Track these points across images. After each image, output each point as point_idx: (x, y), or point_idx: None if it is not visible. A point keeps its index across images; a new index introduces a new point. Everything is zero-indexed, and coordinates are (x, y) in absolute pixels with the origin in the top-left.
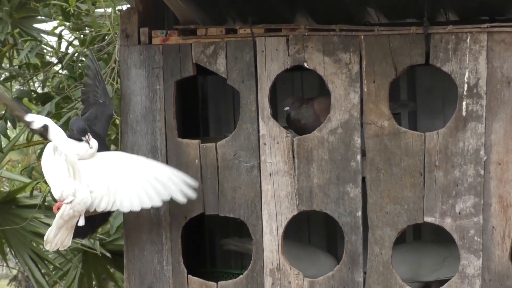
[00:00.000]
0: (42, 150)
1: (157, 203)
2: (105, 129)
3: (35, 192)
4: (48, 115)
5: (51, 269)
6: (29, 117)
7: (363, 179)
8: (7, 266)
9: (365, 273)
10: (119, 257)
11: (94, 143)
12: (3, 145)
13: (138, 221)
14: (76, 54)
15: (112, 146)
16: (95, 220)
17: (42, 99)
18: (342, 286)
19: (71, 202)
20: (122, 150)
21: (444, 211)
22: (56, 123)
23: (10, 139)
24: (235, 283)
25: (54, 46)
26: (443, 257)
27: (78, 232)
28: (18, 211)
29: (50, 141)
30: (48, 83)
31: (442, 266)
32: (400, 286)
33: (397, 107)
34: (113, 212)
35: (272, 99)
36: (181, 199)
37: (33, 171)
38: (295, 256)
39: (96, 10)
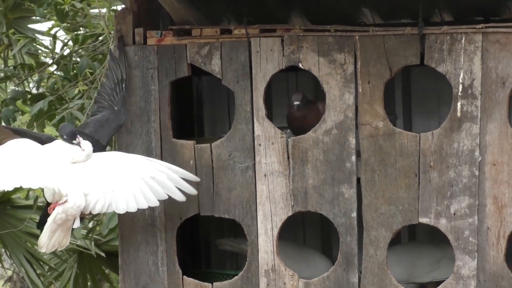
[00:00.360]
0: None
1: (154, 203)
2: (108, 135)
3: (31, 193)
4: (40, 112)
5: (46, 270)
6: None
7: (358, 179)
8: (2, 267)
9: (360, 272)
10: (114, 258)
11: (86, 145)
12: None
13: (133, 222)
14: (71, 55)
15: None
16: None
17: (37, 100)
18: (337, 287)
19: (64, 202)
20: (117, 150)
21: (439, 212)
22: (48, 123)
23: None
24: (230, 284)
25: (49, 46)
26: (438, 258)
27: None
28: (13, 212)
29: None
30: (43, 84)
31: (437, 267)
32: (395, 287)
33: None
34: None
35: (267, 100)
36: (179, 197)
37: None
38: (290, 257)
39: (91, 11)
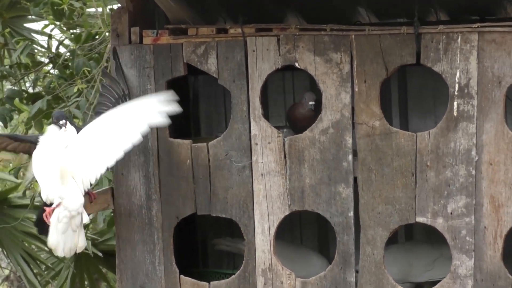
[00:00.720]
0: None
1: (137, 137)
2: None
3: (28, 192)
4: (40, 113)
5: (43, 269)
6: None
7: (355, 179)
8: None
9: (357, 272)
10: (111, 257)
11: (70, 128)
12: None
13: (130, 221)
14: (68, 54)
15: None
16: None
17: (33, 99)
18: (334, 286)
19: (58, 205)
20: None
21: (436, 211)
22: (45, 122)
23: None
24: (227, 283)
25: (45, 45)
26: (434, 257)
27: (45, 230)
28: (10, 211)
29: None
30: (39, 83)
31: (434, 266)
32: (392, 286)
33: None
34: None
35: (263, 99)
36: (161, 119)
37: (22, 171)
38: (287, 256)
39: (87, 10)
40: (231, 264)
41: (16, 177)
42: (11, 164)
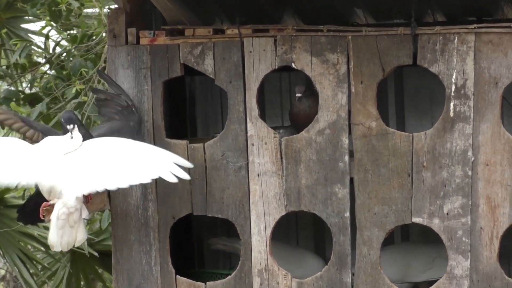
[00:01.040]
0: None
1: (145, 179)
2: None
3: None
4: (40, 115)
5: (39, 269)
6: None
7: (351, 179)
8: None
9: (353, 274)
10: (108, 258)
11: (77, 136)
12: None
13: (126, 222)
14: (64, 54)
15: None
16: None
17: (30, 100)
18: (330, 287)
19: (57, 201)
20: None
21: (432, 212)
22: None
23: None
24: (223, 284)
25: (42, 46)
26: (432, 257)
27: (24, 218)
28: (6, 211)
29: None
30: (36, 84)
31: (431, 267)
32: (388, 286)
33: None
34: None
35: (259, 100)
36: (170, 178)
37: None
38: (282, 257)
39: (84, 10)
40: (227, 265)
41: None
42: None
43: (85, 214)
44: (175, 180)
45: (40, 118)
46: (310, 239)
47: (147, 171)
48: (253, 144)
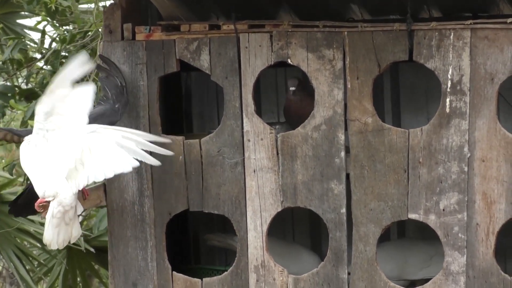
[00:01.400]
0: None
1: (127, 168)
2: None
3: (20, 188)
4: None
5: (35, 266)
6: None
7: (347, 175)
8: None
9: (349, 274)
10: (104, 254)
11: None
12: None
13: (122, 218)
14: (59, 50)
15: None
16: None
17: (26, 95)
18: (326, 283)
19: (53, 199)
20: None
21: (428, 208)
22: None
23: None
24: (219, 280)
25: (38, 42)
26: (430, 255)
27: (16, 211)
28: (2, 207)
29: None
30: (31, 79)
31: (429, 264)
32: (384, 283)
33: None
34: None
35: (255, 96)
36: (152, 161)
37: (16, 168)
38: (277, 253)
39: (79, 6)
40: (223, 261)
41: (11, 174)
42: (3, 160)
43: (80, 210)
44: (157, 162)
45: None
46: (306, 235)
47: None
48: (249, 140)
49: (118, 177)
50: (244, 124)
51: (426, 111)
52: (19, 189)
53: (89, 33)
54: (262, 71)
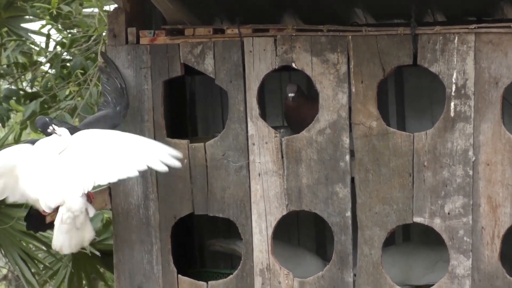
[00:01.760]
0: None
1: (133, 172)
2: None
3: None
4: (33, 114)
5: (41, 268)
6: None
7: (352, 179)
8: None
9: (355, 275)
10: (109, 257)
11: (61, 131)
12: None
13: (127, 221)
14: (64, 54)
15: None
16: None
17: (31, 98)
18: (332, 286)
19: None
20: None
21: (433, 212)
22: None
23: None
24: (225, 283)
25: (43, 45)
26: (434, 261)
27: (34, 225)
28: (7, 210)
29: None
30: (36, 83)
31: (433, 270)
32: (390, 286)
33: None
34: None
35: (260, 99)
36: (160, 167)
37: None
38: (282, 257)
39: (84, 10)
40: (228, 264)
41: None
42: None
43: (92, 212)
44: (165, 168)
45: (36, 116)
46: (312, 238)
47: (136, 162)
48: (253, 144)
49: (123, 181)
50: (249, 128)
51: (431, 114)
52: None
53: (93, 36)
54: (266, 75)
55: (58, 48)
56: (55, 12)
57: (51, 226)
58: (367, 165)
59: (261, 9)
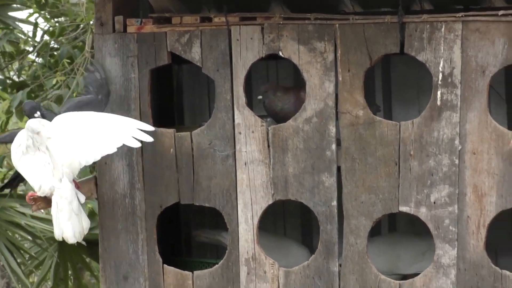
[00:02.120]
0: None
1: (112, 150)
2: None
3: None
4: (20, 104)
5: (27, 259)
6: None
7: (338, 168)
8: None
9: (340, 265)
10: (95, 246)
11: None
12: None
13: (113, 210)
14: (52, 43)
15: None
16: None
17: (18, 87)
18: (317, 276)
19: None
20: None
21: (419, 201)
22: None
23: None
24: (210, 273)
25: (30, 34)
26: (423, 250)
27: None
28: None
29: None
30: (23, 72)
31: (421, 259)
32: (375, 275)
33: None
34: None
35: (247, 88)
36: (133, 144)
37: (7, 160)
38: (266, 247)
39: None
40: (214, 254)
41: (1, 167)
42: None
43: (82, 198)
44: (138, 144)
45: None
46: (298, 228)
47: (112, 140)
48: (240, 133)
49: (109, 170)
50: (235, 117)
51: (418, 103)
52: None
53: (81, 25)
54: (253, 64)
55: (46, 37)
56: (43, 1)
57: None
58: (353, 154)
59: None
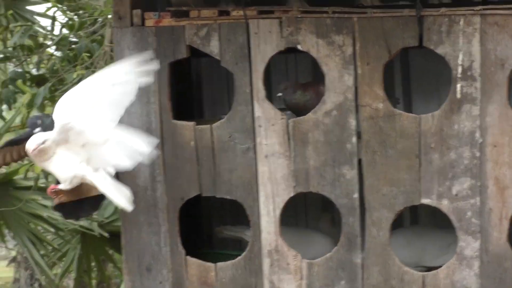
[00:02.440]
0: None
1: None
2: None
3: (30, 174)
4: (44, 99)
5: (49, 250)
6: None
7: (359, 161)
8: (6, 247)
9: (363, 257)
10: (118, 239)
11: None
12: None
13: (134, 202)
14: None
15: None
16: (88, 203)
17: (37, 81)
18: (340, 268)
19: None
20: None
21: (441, 193)
22: (49, 105)
23: (6, 121)
24: (233, 264)
25: (48, 28)
26: (448, 243)
27: (71, 213)
28: (15, 193)
29: None
30: (42, 65)
31: (447, 252)
32: (398, 267)
33: None
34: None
35: (266, 81)
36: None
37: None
38: (289, 242)
39: None
40: (237, 246)
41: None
42: None
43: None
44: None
45: (45, 99)
46: (319, 220)
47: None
48: (260, 126)
49: None
50: (255, 110)
51: (437, 96)
52: (30, 175)
53: (99, 19)
54: (272, 57)
55: (64, 30)
56: None
57: (73, 212)
58: (374, 147)
59: None
